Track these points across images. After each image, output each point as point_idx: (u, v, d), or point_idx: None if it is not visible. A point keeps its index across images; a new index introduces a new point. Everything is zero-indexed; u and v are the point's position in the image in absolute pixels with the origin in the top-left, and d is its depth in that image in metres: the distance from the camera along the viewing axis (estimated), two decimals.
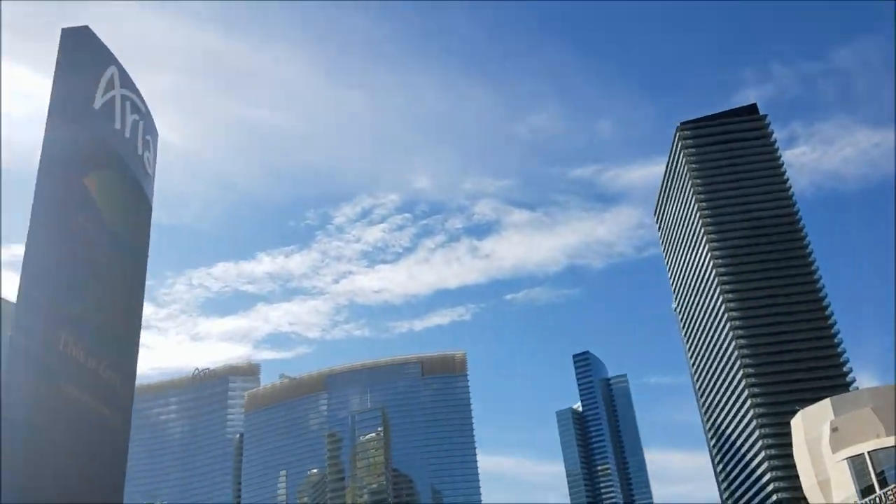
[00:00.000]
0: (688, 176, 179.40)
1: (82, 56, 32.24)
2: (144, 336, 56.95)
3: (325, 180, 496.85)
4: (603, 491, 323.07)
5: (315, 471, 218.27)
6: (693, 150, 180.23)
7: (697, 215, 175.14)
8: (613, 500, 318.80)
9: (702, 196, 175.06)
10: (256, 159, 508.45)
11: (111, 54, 33.63)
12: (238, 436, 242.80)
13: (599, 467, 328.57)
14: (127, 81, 34.65)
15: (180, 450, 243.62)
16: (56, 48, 30.96)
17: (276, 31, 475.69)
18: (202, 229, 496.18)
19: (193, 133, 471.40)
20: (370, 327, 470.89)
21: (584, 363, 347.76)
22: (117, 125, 34.89)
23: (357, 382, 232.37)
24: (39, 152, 32.09)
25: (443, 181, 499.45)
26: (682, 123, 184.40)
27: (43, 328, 41.97)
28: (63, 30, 31.42)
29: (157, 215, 60.25)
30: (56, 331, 42.43)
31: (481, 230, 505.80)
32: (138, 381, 62.33)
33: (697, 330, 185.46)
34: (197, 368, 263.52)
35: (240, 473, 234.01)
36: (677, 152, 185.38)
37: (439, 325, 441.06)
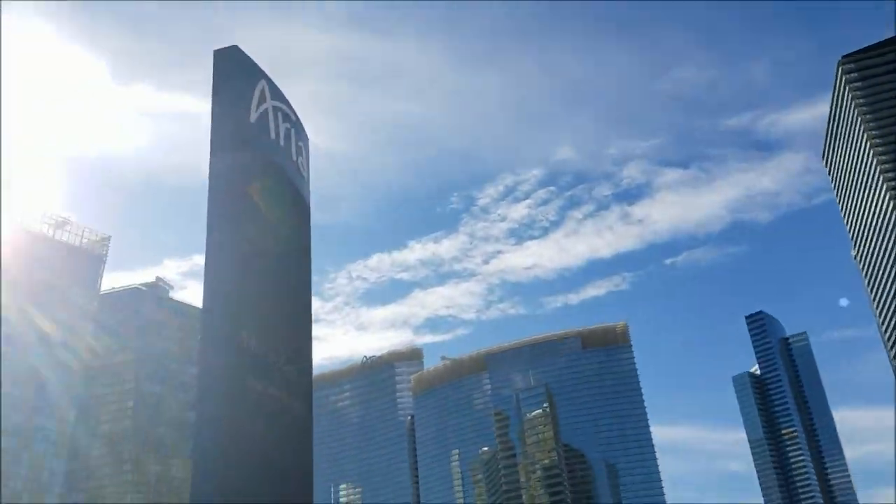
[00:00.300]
0: (856, 112, 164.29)
1: (235, 74, 34.53)
2: (315, 329, 60.55)
3: (467, 164, 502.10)
4: (790, 456, 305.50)
5: (486, 449, 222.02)
6: (859, 83, 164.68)
7: (871, 153, 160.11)
8: (803, 465, 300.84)
9: (874, 132, 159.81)
10: (400, 152, 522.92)
11: (260, 69, 35.70)
12: (409, 418, 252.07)
13: (784, 432, 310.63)
14: (276, 93, 36.70)
15: (358, 433, 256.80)
16: (208, 70, 33.35)
17: (407, 26, 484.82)
18: (356, 224, 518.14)
19: (340, 134, 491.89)
20: (525, 304, 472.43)
21: (759, 324, 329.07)
22: (272, 135, 37.05)
23: (517, 360, 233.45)
24: (202, 169, 34.68)
25: (586, 149, 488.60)
26: (844, 57, 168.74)
27: (228, 329, 45.67)
28: (215, 52, 33.79)
29: (315, 216, 63.56)
30: (239, 331, 46.00)
31: (631, 195, 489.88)
32: (314, 372, 66.36)
33: (882, 276, 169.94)
34: (365, 357, 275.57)
35: (415, 453, 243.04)
36: (841, 88, 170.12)
37: (596, 297, 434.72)
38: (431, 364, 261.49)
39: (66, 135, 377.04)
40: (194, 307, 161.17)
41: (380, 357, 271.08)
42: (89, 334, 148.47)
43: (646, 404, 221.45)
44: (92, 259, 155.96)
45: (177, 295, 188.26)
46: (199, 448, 44.37)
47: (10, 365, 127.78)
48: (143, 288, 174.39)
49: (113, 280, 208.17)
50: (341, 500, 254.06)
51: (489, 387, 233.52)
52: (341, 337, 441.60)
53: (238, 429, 43.76)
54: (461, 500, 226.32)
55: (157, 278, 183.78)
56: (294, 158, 39.74)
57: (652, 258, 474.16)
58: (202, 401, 45.60)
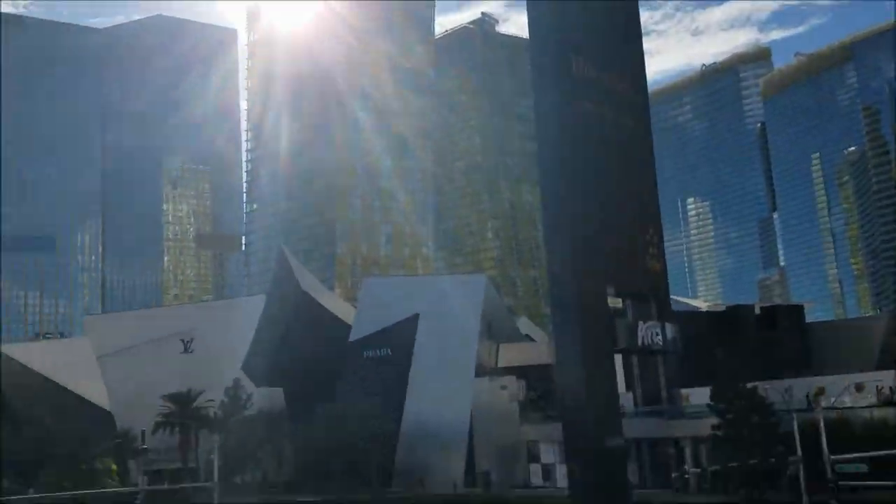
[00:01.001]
0: None
1: None
2: (645, 42, 56.29)
3: None
4: None
5: (853, 149, 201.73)
6: None
7: None
8: None
9: None
10: None
11: None
12: (759, 125, 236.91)
13: None
14: None
15: (703, 146, 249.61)
16: None
17: None
18: None
19: None
20: None
21: None
22: None
23: (890, 45, 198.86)
24: None
25: None
26: None
27: (557, 56, 44.93)
28: None
29: None
30: (567, 55, 44.94)
31: None
32: (649, 88, 62.96)
33: None
34: (704, 65, 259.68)
35: (768, 160, 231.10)
36: None
37: None
38: (782, 63, 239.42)
39: None
40: (522, 38, 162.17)
41: (721, 63, 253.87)
42: (430, 77, 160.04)
43: None
44: (421, 3, 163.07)
45: (502, 28, 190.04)
46: (545, 174, 47.15)
47: (370, 117, 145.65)
48: (471, 26, 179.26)
49: (443, 23, 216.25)
50: (690, 213, 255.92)
51: (854, 80, 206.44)
52: (675, 46, 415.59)
53: (578, 152, 44.67)
54: (824, 206, 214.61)
55: (483, 14, 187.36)
56: None
57: None
58: (541, 129, 47.34)
